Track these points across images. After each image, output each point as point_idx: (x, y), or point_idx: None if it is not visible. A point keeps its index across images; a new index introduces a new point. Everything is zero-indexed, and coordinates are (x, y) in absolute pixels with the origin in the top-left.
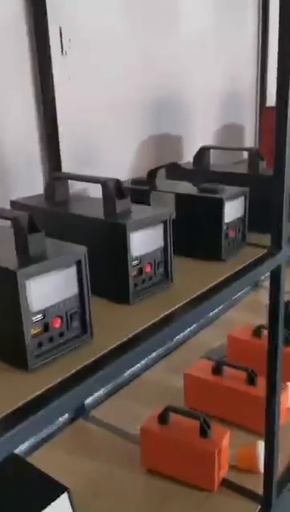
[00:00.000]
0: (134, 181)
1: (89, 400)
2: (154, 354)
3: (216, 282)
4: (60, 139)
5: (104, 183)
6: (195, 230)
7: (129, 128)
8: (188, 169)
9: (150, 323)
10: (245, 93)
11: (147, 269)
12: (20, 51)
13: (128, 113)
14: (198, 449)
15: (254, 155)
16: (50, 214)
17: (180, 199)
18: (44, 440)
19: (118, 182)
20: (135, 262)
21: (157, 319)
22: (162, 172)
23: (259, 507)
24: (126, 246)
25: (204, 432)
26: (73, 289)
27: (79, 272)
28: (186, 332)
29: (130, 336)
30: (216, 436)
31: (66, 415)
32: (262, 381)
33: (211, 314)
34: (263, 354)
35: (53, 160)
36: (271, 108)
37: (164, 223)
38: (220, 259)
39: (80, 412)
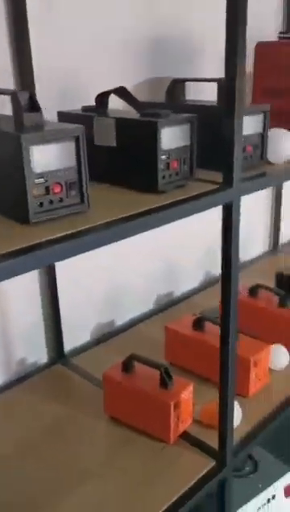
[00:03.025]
0: (85, 108)
1: (71, 347)
2: (149, 308)
3: (140, 211)
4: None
5: (13, 94)
6: (132, 159)
7: (121, 68)
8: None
9: (34, 242)
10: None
11: (56, 189)
12: None
13: (122, 52)
14: (155, 399)
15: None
16: None
17: (119, 124)
18: (18, 381)
19: (30, 95)
20: (39, 180)
21: (42, 240)
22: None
23: (214, 464)
24: (21, 160)
25: (164, 383)
26: None
27: None
28: (191, 288)
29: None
30: (177, 388)
31: (45, 359)
32: (244, 340)
33: (217, 274)
34: (258, 314)
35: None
36: (263, 44)
37: (76, 140)
38: (157, 190)
39: (60, 358)
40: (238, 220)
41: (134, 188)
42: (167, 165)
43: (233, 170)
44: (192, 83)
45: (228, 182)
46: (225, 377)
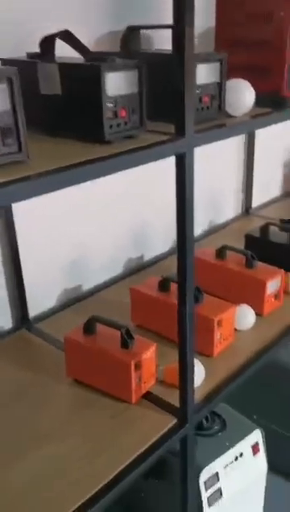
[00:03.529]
0: (30, 55)
1: (36, 312)
2: (118, 273)
3: (83, 160)
4: None
5: None
6: (78, 107)
7: (81, 20)
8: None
9: None
10: None
11: None
12: None
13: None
14: (116, 359)
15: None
16: None
17: (62, 70)
18: None
19: None
20: None
21: None
22: None
23: (175, 421)
24: None
25: (125, 343)
26: None
27: None
28: (161, 252)
29: None
30: (138, 348)
31: (10, 324)
32: (209, 300)
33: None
34: (225, 275)
35: None
36: None
37: (9, 82)
38: (103, 140)
39: (24, 323)
40: (191, 174)
41: (80, 139)
42: (115, 113)
43: (184, 118)
44: (156, 34)
45: (180, 131)
46: (184, 335)
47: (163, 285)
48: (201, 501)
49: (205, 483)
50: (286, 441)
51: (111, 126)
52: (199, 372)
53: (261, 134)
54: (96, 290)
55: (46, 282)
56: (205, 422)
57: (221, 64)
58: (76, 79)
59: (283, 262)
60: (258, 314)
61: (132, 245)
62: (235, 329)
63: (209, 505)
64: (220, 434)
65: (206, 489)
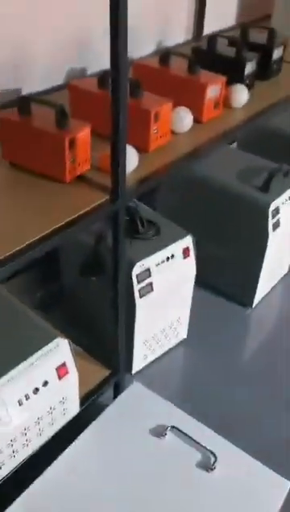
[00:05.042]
0: None
1: None
2: (59, 83)
3: None
4: None
5: None
6: None
7: None
8: None
9: None
10: None
11: None
12: None
13: None
14: (51, 137)
15: None
16: None
17: None
18: None
19: None
20: None
21: None
22: None
23: (107, 197)
24: None
25: (59, 122)
26: None
27: None
28: (105, 67)
29: None
30: (73, 128)
31: None
32: (148, 96)
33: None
34: (167, 80)
35: None
36: None
37: None
38: None
39: None
40: None
41: None
42: None
43: None
44: None
45: None
46: (116, 119)
47: (103, 80)
48: (133, 293)
49: (137, 276)
50: (218, 260)
51: None
52: (132, 158)
53: None
54: (35, 95)
55: None
56: (140, 228)
57: None
58: None
59: (228, 75)
60: (198, 121)
61: (75, 54)
62: (173, 132)
63: (141, 296)
64: (154, 238)
65: (138, 282)
